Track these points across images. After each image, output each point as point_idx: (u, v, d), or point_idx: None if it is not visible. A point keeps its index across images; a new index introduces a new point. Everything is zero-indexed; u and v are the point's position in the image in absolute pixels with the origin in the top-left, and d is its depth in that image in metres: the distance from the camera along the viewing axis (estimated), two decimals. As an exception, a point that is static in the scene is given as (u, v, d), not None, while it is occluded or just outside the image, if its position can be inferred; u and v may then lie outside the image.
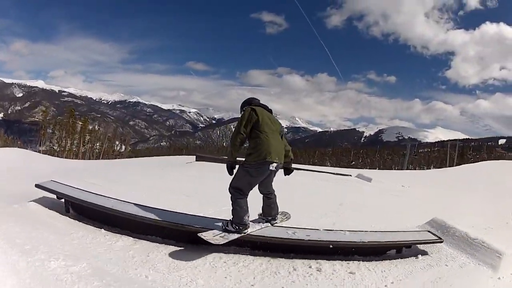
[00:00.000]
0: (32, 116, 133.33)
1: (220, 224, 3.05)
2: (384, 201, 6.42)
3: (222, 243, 2.77)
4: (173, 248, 2.86)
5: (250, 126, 2.91)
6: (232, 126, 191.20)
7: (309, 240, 2.81)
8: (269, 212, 3.31)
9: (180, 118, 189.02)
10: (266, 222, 3.31)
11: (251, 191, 2.98)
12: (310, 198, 6.14)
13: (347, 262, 2.68)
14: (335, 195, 6.63)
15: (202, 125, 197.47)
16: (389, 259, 2.82)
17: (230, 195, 2.99)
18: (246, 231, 2.99)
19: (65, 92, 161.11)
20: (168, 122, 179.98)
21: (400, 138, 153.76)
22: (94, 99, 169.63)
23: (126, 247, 2.84)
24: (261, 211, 3.36)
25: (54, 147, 48.73)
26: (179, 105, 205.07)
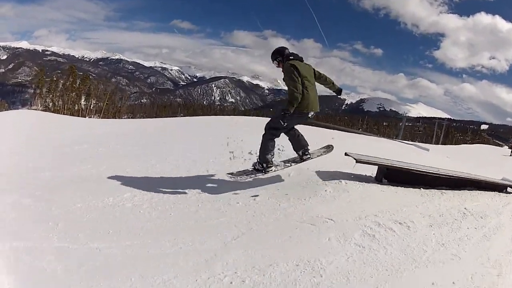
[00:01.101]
0: (15, 78, 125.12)
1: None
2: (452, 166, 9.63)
3: (245, 180, 3.36)
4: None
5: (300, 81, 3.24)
6: (213, 85, 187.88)
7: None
8: (299, 144, 3.54)
9: (161, 76, 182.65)
10: (300, 158, 3.59)
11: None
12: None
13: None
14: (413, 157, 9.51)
15: (183, 83, 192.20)
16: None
17: (264, 133, 3.30)
18: (270, 169, 3.38)
19: (48, 51, 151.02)
20: (149, 79, 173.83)
21: (381, 109, 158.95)
22: (77, 57, 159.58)
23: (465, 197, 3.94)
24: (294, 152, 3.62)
25: (49, 106, 49.41)
26: (161, 62, 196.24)
